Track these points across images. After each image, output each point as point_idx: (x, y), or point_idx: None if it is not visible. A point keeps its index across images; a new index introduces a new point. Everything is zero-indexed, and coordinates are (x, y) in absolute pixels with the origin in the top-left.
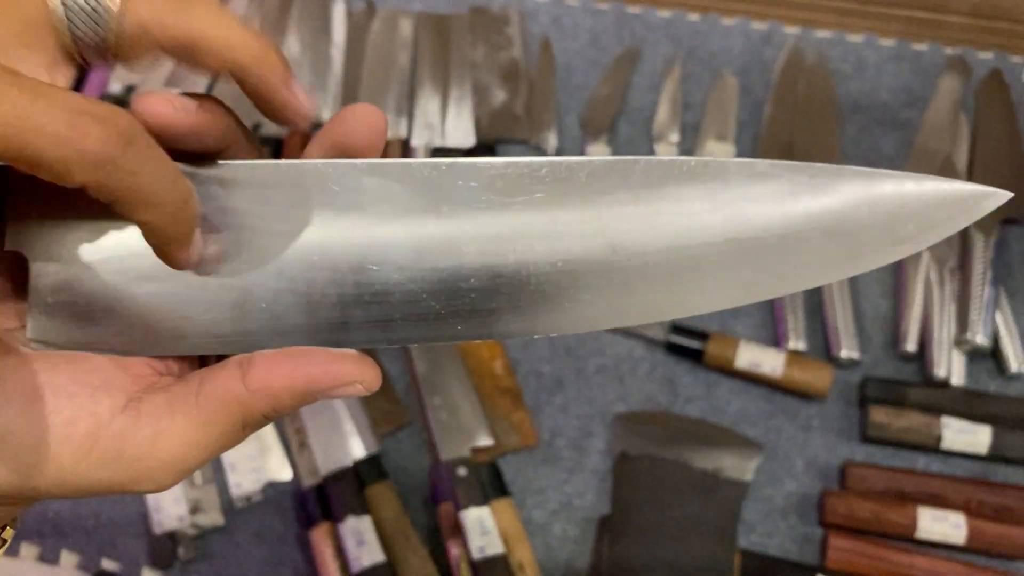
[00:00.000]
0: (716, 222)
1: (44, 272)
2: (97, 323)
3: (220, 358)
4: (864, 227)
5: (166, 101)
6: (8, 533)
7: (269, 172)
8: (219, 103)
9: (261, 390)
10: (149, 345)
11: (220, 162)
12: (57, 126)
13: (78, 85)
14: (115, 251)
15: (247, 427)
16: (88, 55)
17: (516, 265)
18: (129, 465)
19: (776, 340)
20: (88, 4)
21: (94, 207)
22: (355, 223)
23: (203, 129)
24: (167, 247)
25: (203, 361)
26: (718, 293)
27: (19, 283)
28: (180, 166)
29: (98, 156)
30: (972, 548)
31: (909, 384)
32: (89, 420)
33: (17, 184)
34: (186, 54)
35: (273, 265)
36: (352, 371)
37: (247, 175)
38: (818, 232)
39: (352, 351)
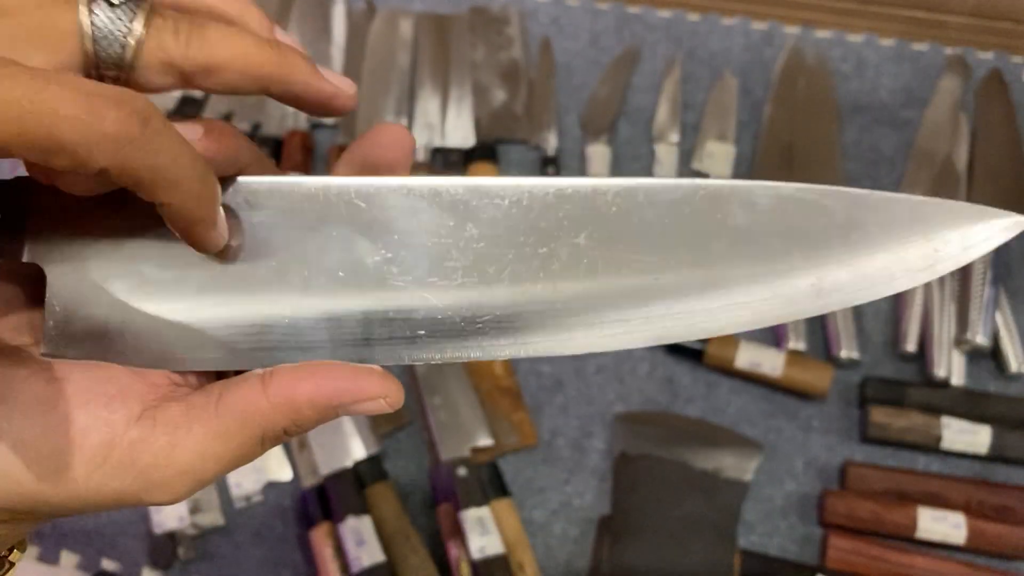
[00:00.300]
0: (748, 245)
1: (62, 285)
2: (113, 338)
3: (239, 372)
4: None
5: None
6: (16, 556)
7: (293, 188)
8: (227, 126)
9: (283, 403)
10: (166, 361)
11: (243, 179)
12: (74, 108)
13: None
14: (133, 267)
15: (266, 441)
16: (105, 74)
17: (544, 285)
18: (143, 475)
19: (776, 340)
20: (115, 26)
21: (113, 223)
22: (380, 240)
23: (211, 154)
24: (194, 228)
25: (221, 374)
26: (751, 311)
27: (36, 297)
28: None
29: (118, 136)
30: (972, 548)
31: (909, 384)
32: (103, 430)
33: (39, 198)
34: (208, 78)
35: (296, 280)
36: (376, 386)
37: (271, 191)
38: (847, 255)
39: (376, 367)
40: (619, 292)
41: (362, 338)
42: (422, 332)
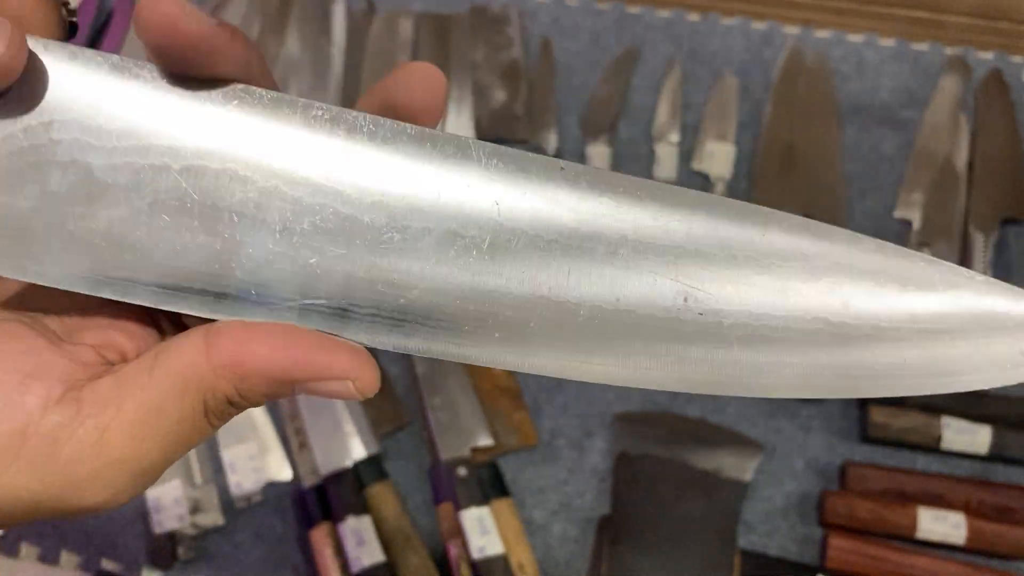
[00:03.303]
0: (808, 293)
1: None
2: (37, 240)
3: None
4: (965, 339)
5: (174, 3)
6: None
7: (289, 106)
8: (240, 31)
9: (226, 366)
10: (96, 282)
11: (237, 85)
12: None
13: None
14: (79, 158)
15: (210, 413)
16: None
17: (562, 288)
18: (68, 470)
19: None
20: None
21: (36, 97)
22: (384, 192)
23: (217, 47)
24: None
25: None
26: (795, 377)
27: None
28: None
29: None
30: (972, 548)
31: None
32: (14, 414)
33: None
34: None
35: (275, 217)
36: (344, 364)
37: (266, 105)
38: (917, 335)
39: (349, 342)
40: (653, 317)
41: (339, 306)
42: (416, 315)
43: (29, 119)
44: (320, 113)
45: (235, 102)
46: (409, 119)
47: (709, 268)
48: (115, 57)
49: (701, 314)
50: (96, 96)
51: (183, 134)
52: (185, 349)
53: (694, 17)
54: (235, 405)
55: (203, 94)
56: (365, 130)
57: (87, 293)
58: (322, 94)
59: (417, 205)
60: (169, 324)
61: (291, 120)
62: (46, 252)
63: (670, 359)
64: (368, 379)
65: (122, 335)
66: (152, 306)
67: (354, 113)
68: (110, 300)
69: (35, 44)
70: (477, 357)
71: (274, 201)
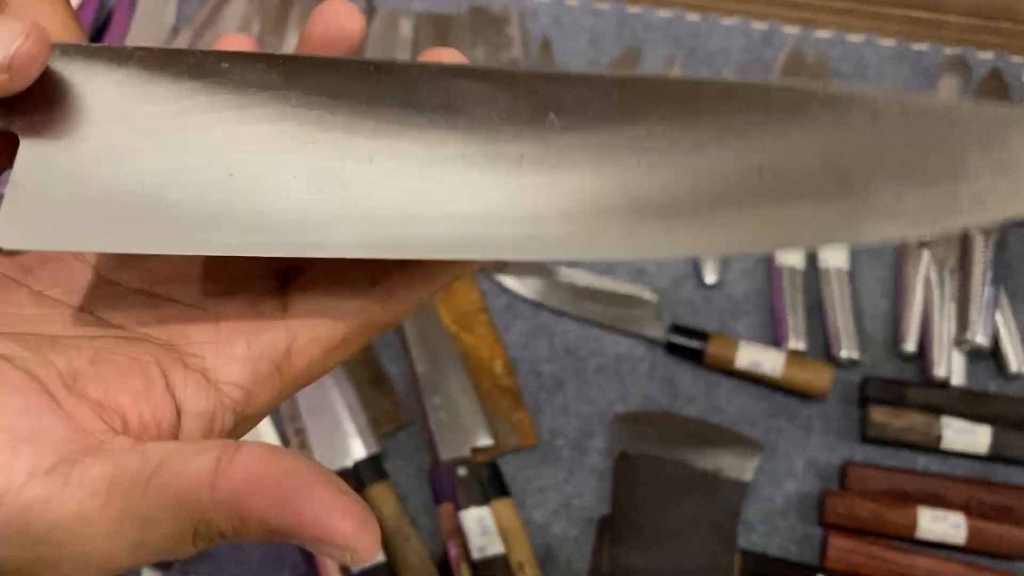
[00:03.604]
0: (879, 152)
1: (33, 148)
2: (91, 208)
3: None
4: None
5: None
6: None
7: (346, 68)
8: None
9: (228, 502)
10: (157, 236)
11: (305, 54)
12: None
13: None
14: (104, 149)
15: (198, 538)
16: None
17: (644, 177)
18: (36, 547)
19: (776, 340)
20: None
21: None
22: (445, 131)
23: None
24: None
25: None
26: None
27: None
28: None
29: None
30: (972, 548)
31: (909, 384)
32: None
33: None
34: None
35: (330, 213)
36: (350, 533)
37: (326, 66)
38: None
39: (360, 504)
40: (730, 192)
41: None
42: (486, 242)
43: (62, 116)
44: (362, 66)
45: (275, 92)
46: (326, 48)
47: (771, 139)
48: (138, 48)
49: (775, 180)
50: (127, 89)
51: (228, 127)
52: (191, 470)
53: (694, 17)
54: (225, 537)
55: (244, 87)
56: (414, 73)
57: (153, 252)
58: None
59: (474, 132)
60: (181, 375)
61: (335, 111)
62: (98, 221)
63: (749, 223)
64: (366, 550)
65: (127, 396)
66: (224, 253)
67: (400, 62)
68: (122, 349)
69: (58, 46)
70: (551, 247)
71: (325, 197)
